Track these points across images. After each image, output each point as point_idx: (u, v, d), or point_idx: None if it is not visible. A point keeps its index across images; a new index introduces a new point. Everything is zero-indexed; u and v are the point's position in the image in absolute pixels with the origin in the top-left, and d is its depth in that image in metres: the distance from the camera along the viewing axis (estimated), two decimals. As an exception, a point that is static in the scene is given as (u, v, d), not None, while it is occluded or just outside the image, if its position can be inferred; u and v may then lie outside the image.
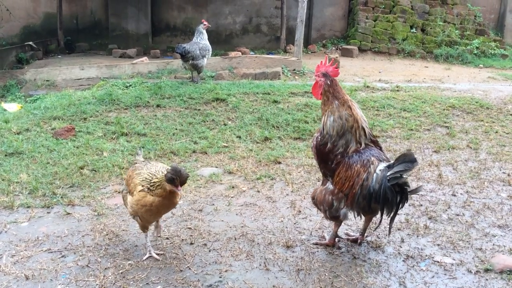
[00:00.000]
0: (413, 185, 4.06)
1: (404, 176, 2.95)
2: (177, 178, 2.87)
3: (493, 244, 3.50)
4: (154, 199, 3.00)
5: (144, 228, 3.23)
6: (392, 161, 3.05)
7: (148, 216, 3.12)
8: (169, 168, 2.95)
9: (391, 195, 2.97)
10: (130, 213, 3.26)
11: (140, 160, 3.43)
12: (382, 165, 3.06)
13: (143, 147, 5.33)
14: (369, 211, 3.21)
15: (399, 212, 3.17)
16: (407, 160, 2.92)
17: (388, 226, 3.17)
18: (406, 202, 3.09)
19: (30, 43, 11.78)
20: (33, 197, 4.15)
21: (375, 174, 3.04)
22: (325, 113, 3.28)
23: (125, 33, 13.48)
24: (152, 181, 3.01)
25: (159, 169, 3.11)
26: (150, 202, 3.01)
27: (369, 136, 3.27)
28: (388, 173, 2.96)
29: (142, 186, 3.03)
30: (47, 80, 8.95)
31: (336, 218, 3.32)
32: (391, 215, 3.08)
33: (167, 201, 3.05)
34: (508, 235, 3.65)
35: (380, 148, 3.33)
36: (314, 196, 3.39)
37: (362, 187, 3.06)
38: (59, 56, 12.21)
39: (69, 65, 9.98)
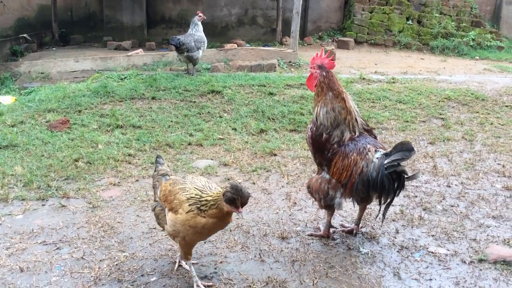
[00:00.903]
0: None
1: (402, 164, 2.95)
2: (238, 198, 2.47)
3: (487, 235, 3.52)
4: (207, 221, 2.58)
5: (187, 255, 2.84)
6: (389, 149, 3.05)
7: (196, 238, 2.75)
8: (229, 186, 2.51)
9: (388, 183, 2.97)
10: (169, 233, 2.82)
11: (168, 171, 3.03)
12: (379, 153, 3.06)
13: (138, 139, 5.28)
14: (367, 199, 3.22)
15: (394, 203, 3.16)
16: (405, 148, 2.92)
17: (382, 213, 3.15)
18: (403, 189, 3.09)
19: (25, 35, 11.68)
20: (28, 190, 4.14)
21: (372, 163, 3.04)
22: (318, 104, 3.28)
23: (120, 25, 13.39)
24: (203, 199, 2.61)
25: (204, 184, 2.72)
26: (203, 224, 2.59)
27: (362, 126, 3.27)
28: (386, 161, 2.96)
29: (191, 205, 2.61)
30: (41, 73, 8.90)
31: (330, 207, 3.32)
32: (388, 202, 3.08)
33: (221, 221, 2.65)
34: (502, 226, 3.67)
35: (375, 137, 3.33)
36: (310, 185, 3.39)
37: (362, 174, 3.06)
38: (54, 49, 12.13)
39: (64, 57, 9.92)
